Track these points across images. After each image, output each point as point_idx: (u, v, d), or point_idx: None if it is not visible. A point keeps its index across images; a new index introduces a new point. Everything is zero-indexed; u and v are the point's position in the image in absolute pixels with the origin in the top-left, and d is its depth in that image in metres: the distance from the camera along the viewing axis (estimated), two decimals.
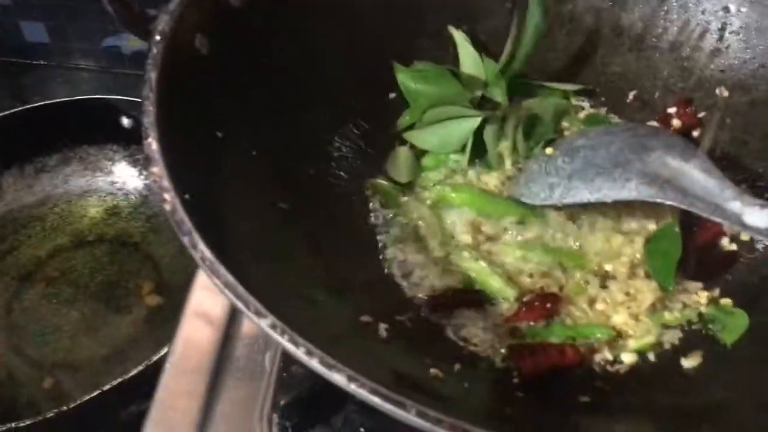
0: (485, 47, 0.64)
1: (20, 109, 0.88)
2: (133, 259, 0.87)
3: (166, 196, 0.38)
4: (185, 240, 0.36)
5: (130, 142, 0.93)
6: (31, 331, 0.80)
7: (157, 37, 0.45)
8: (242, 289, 0.34)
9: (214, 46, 0.50)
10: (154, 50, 0.45)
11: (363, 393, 0.31)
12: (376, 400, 0.31)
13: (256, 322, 0.33)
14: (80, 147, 0.93)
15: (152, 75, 0.43)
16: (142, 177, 0.92)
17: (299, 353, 0.32)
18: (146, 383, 0.66)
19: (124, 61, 1.01)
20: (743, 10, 0.60)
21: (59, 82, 1.04)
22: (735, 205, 0.48)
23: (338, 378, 0.31)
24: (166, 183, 0.38)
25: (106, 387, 0.65)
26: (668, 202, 0.50)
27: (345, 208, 0.56)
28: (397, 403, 0.31)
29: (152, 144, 0.40)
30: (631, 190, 0.51)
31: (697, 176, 0.50)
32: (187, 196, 0.40)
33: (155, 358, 0.67)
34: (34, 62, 1.03)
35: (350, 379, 0.32)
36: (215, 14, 0.50)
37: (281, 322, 0.33)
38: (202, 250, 0.36)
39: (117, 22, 0.45)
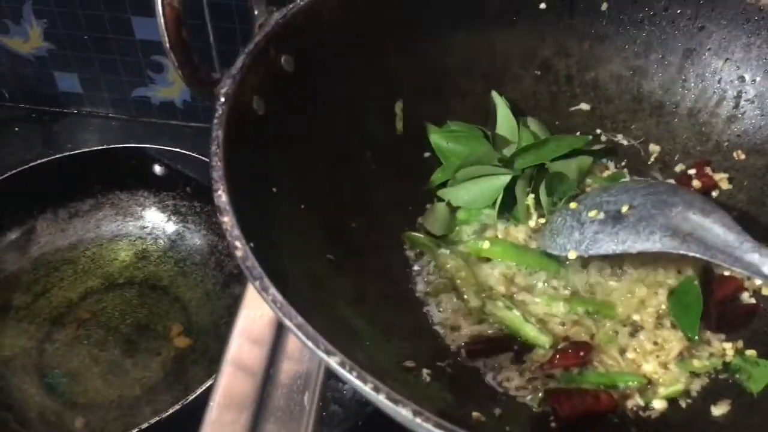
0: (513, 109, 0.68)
1: (57, 156, 0.91)
2: (162, 302, 0.90)
3: (237, 243, 0.41)
4: (257, 284, 0.39)
5: (160, 189, 0.96)
6: (62, 372, 0.82)
7: (222, 99, 0.49)
8: (311, 329, 0.37)
9: (269, 108, 0.53)
10: (219, 111, 0.48)
11: (428, 426, 0.33)
12: None
13: (326, 360, 0.36)
14: (112, 193, 0.96)
15: (219, 133, 0.47)
16: (171, 222, 0.96)
17: (367, 389, 0.35)
18: (176, 425, 0.69)
19: (152, 110, 1.04)
20: (758, 79, 0.64)
21: (90, 130, 1.08)
22: (754, 257, 0.51)
23: (404, 412, 0.34)
24: (236, 232, 0.41)
25: (137, 428, 0.67)
26: (690, 254, 0.53)
27: (386, 259, 0.59)
28: None
29: (222, 196, 0.43)
30: (655, 242, 0.54)
31: (717, 230, 0.53)
32: (252, 245, 0.43)
33: (188, 398, 0.69)
34: (66, 111, 1.07)
35: (416, 413, 0.34)
36: (271, 78, 0.54)
37: (350, 360, 0.35)
38: (274, 294, 0.39)
39: (184, 79, 0.48)
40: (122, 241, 0.95)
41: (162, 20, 0.46)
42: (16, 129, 1.08)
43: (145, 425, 0.67)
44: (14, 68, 1.01)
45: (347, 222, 0.57)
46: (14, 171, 0.88)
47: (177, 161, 0.92)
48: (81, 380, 0.81)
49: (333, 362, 0.35)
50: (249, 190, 0.48)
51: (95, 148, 0.92)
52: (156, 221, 0.95)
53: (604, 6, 0.66)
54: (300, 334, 0.36)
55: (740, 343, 0.56)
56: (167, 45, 0.47)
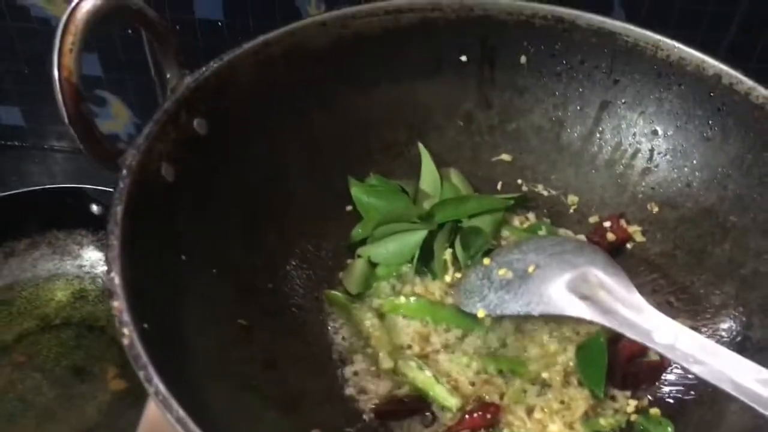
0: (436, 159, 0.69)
1: None
2: (99, 343, 0.89)
3: (125, 330, 0.41)
4: (141, 374, 0.39)
5: (98, 228, 0.95)
6: None
7: (124, 172, 0.49)
8: (193, 425, 0.37)
9: (179, 173, 0.53)
10: (121, 185, 0.48)
11: None
12: None
13: None
14: (49, 231, 0.95)
15: (118, 209, 0.46)
16: None
17: None
18: None
19: None
20: (669, 133, 0.66)
21: (35, 162, 1.07)
22: (649, 323, 0.52)
23: None
24: (126, 317, 0.41)
25: None
26: (587, 318, 0.54)
27: (302, 319, 0.59)
28: None
29: (115, 278, 0.43)
30: (555, 307, 0.55)
31: (617, 292, 0.55)
32: (145, 326, 0.43)
33: None
34: (8, 143, 1.06)
35: None
36: (181, 143, 0.54)
37: None
38: (157, 385, 0.39)
39: (86, 153, 0.48)
40: (59, 280, 0.94)
41: (60, 96, 0.46)
42: None
43: None
44: None
45: (262, 283, 0.58)
46: None
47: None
48: (17, 425, 0.80)
49: None
50: (153, 264, 0.48)
51: (31, 188, 0.91)
52: (94, 260, 0.94)
53: (523, 59, 0.67)
54: (179, 428, 0.36)
55: (645, 401, 0.57)
56: (66, 120, 0.47)
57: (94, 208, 0.95)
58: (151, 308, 0.44)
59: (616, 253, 0.66)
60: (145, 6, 0.52)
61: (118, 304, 0.41)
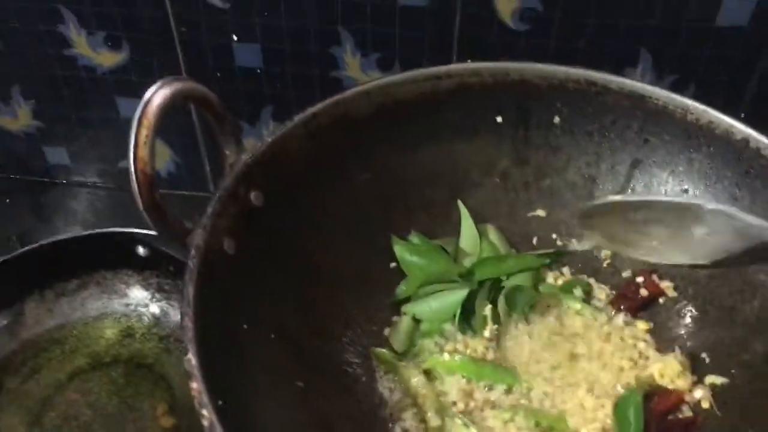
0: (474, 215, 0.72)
1: (45, 242, 0.95)
2: (148, 381, 0.92)
3: (204, 412, 0.44)
4: None
5: (144, 268, 0.99)
6: None
7: (193, 252, 0.52)
8: None
9: (239, 246, 0.57)
10: (190, 265, 0.52)
11: None
12: None
13: None
14: (97, 272, 0.99)
15: (190, 290, 0.50)
16: (155, 300, 0.98)
17: None
18: None
19: None
20: (699, 192, 0.68)
21: (78, 199, 1.11)
22: None
23: None
24: (205, 399, 0.45)
25: None
26: None
27: (353, 378, 0.62)
28: None
29: (192, 360, 0.47)
30: None
31: None
32: (220, 402, 0.46)
33: None
34: (55, 181, 1.10)
35: None
36: (241, 217, 0.58)
37: None
38: None
39: (159, 236, 0.52)
40: (107, 319, 0.97)
41: (135, 185, 0.49)
42: (7, 200, 1.11)
43: None
44: (5, 143, 1.05)
45: (315, 344, 0.61)
46: (4, 257, 0.91)
47: (160, 243, 0.96)
48: None
49: None
50: (220, 337, 0.51)
51: (81, 233, 0.95)
52: (139, 299, 0.98)
53: (557, 120, 0.71)
54: None
55: None
56: (141, 207, 0.50)
57: (140, 249, 0.98)
58: (223, 383, 0.47)
59: (649, 307, 0.68)
60: (208, 92, 0.56)
61: (197, 385, 0.45)
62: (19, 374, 0.92)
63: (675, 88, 0.70)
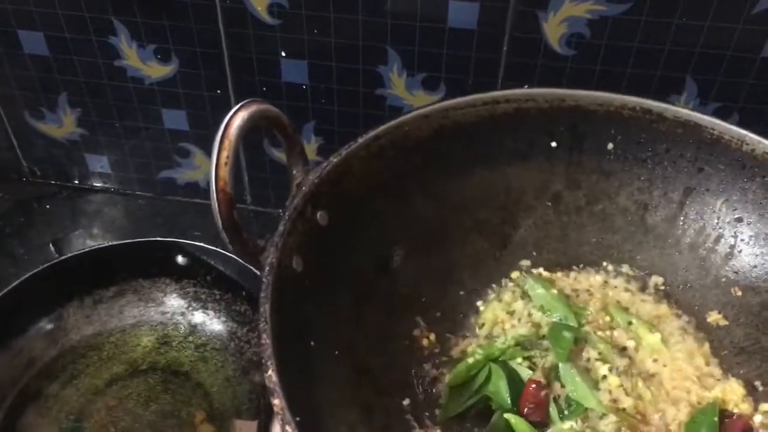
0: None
1: (85, 250, 0.96)
2: (185, 388, 0.93)
3: (288, 429, 0.45)
4: None
5: (181, 277, 1.00)
6: None
7: (267, 269, 0.53)
8: None
9: (306, 263, 0.58)
10: (265, 282, 0.53)
11: None
12: None
13: None
14: (135, 280, 1.00)
15: (266, 307, 0.51)
16: (192, 309, 0.99)
17: None
18: None
19: (177, 190, 1.09)
20: (753, 221, 0.69)
21: (118, 207, 1.12)
22: None
23: None
24: (288, 415, 0.46)
25: None
26: None
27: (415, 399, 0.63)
28: None
29: (273, 376, 0.47)
30: None
31: None
32: (298, 419, 0.47)
33: None
34: (95, 186, 1.12)
35: None
36: (307, 235, 0.59)
37: None
38: None
39: (235, 253, 0.53)
40: (144, 326, 0.98)
41: (216, 204, 0.50)
42: (47, 206, 1.12)
43: None
44: (47, 149, 1.07)
45: (375, 361, 0.62)
46: (46, 264, 0.92)
47: (200, 253, 0.97)
48: None
49: None
50: (292, 354, 0.52)
51: (122, 241, 0.96)
52: (176, 307, 0.99)
53: (610, 146, 0.72)
54: None
55: None
56: (220, 226, 0.51)
57: (180, 259, 0.99)
58: (298, 399, 0.48)
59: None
60: (280, 113, 0.57)
61: (279, 402, 0.45)
62: (59, 380, 0.94)
63: (718, 115, 0.71)
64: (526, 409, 0.61)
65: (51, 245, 1.07)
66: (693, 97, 0.82)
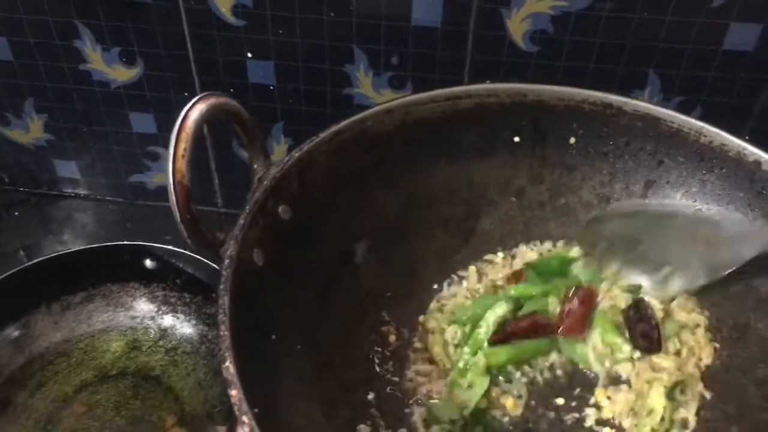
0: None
1: (53, 255, 0.95)
2: (155, 393, 0.92)
3: (245, 418, 0.45)
4: None
5: (150, 281, 0.99)
6: None
7: (227, 262, 0.53)
8: None
9: (267, 257, 0.58)
10: (224, 275, 0.52)
11: None
12: None
13: None
14: (103, 285, 0.99)
15: (225, 299, 0.51)
16: (161, 313, 0.99)
17: None
18: None
19: (148, 194, 1.09)
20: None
21: (88, 213, 1.11)
22: None
23: None
24: (244, 406, 0.46)
25: None
26: None
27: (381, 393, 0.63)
28: None
29: (230, 368, 0.47)
30: None
31: None
32: (256, 410, 0.47)
33: None
34: (64, 193, 1.11)
35: None
36: (269, 229, 0.59)
37: None
38: None
39: (193, 247, 0.53)
40: (113, 331, 0.97)
41: (173, 197, 0.50)
42: (16, 213, 1.11)
43: None
44: (14, 155, 1.06)
45: (339, 356, 0.62)
46: (12, 271, 0.91)
47: (169, 256, 0.96)
48: None
49: None
50: (253, 346, 0.52)
51: (89, 246, 0.96)
52: (146, 311, 0.98)
53: (572, 140, 0.72)
54: None
55: None
56: (178, 218, 0.51)
57: (148, 263, 0.99)
58: (257, 391, 0.48)
59: None
60: (240, 107, 0.57)
61: (236, 393, 0.45)
62: (27, 388, 0.92)
63: (681, 109, 0.72)
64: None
65: (21, 252, 1.05)
66: (657, 91, 0.83)
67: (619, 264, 0.71)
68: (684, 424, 0.63)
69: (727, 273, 0.66)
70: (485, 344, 0.65)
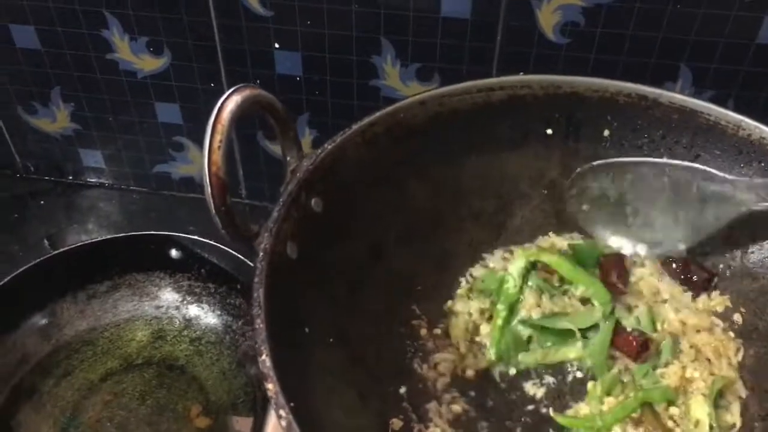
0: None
1: (79, 244, 0.95)
2: (180, 382, 0.93)
3: (282, 412, 0.45)
4: None
5: (175, 271, 0.99)
6: None
7: (261, 255, 0.53)
8: None
9: (300, 250, 0.57)
10: (259, 267, 0.52)
11: None
12: None
13: None
14: (129, 274, 0.99)
15: (260, 292, 0.51)
16: (186, 302, 0.99)
17: None
18: None
19: (173, 184, 1.09)
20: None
21: (113, 202, 1.12)
22: None
23: None
24: (281, 399, 0.45)
25: None
26: None
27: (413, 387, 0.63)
28: None
29: (266, 361, 0.47)
30: None
31: None
32: (292, 404, 0.47)
33: None
34: (89, 182, 1.11)
35: None
36: (302, 222, 0.58)
37: None
38: None
39: (227, 238, 0.52)
40: (139, 321, 0.98)
41: (209, 189, 0.50)
42: (41, 202, 1.11)
43: None
44: (40, 144, 1.06)
45: (369, 348, 0.62)
46: (39, 259, 0.92)
47: (194, 246, 0.96)
48: None
49: None
50: (287, 340, 0.52)
51: (115, 235, 0.96)
52: (171, 301, 0.98)
53: (606, 132, 0.71)
54: None
55: None
56: (213, 210, 0.51)
57: (174, 252, 0.99)
58: (292, 385, 0.48)
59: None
60: (274, 99, 0.56)
61: (273, 386, 0.45)
62: (53, 376, 0.93)
63: (714, 102, 0.70)
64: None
65: (45, 241, 1.06)
66: (688, 84, 0.82)
67: (604, 223, 0.70)
68: (730, 426, 0.62)
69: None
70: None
